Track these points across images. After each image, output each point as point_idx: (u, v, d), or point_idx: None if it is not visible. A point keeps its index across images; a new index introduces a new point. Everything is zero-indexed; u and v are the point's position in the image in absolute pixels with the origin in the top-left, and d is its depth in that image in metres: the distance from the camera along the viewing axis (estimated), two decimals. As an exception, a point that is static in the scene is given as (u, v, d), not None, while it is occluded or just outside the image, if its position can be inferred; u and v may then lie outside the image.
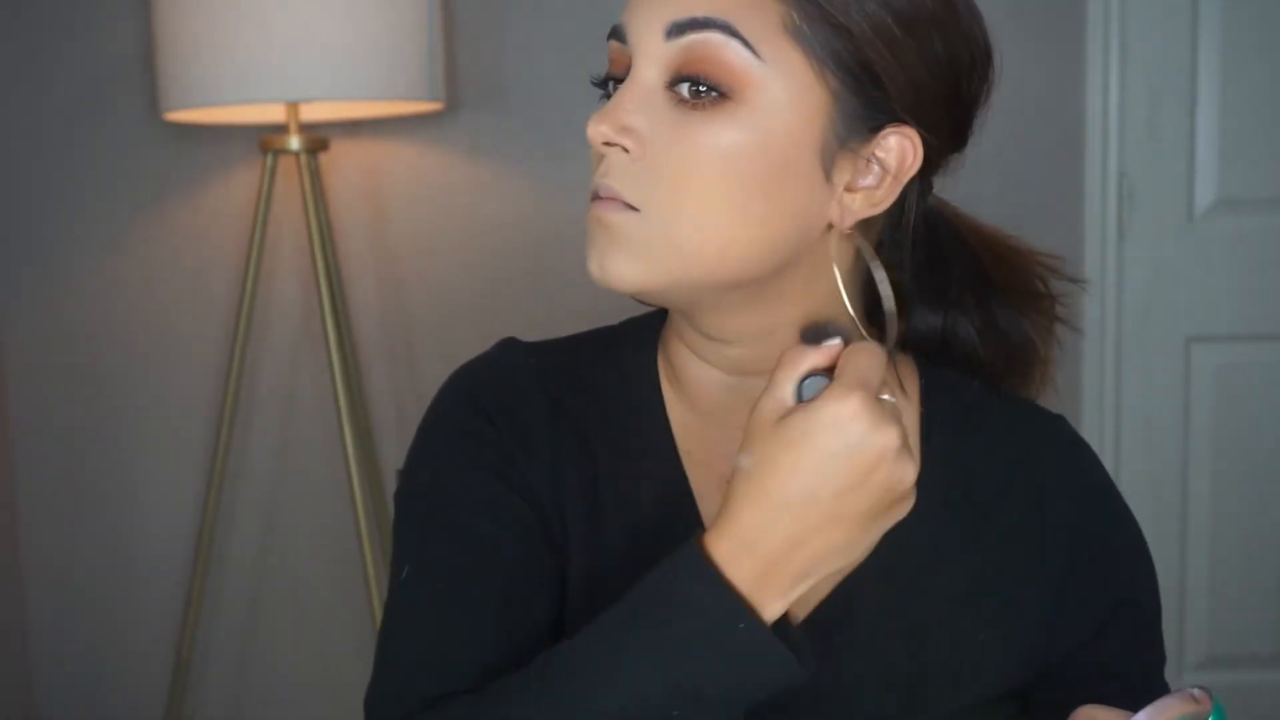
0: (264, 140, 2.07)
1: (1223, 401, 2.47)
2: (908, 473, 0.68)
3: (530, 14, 2.32)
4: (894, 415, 0.68)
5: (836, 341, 0.71)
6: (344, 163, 2.31)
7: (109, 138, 2.31)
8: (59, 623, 2.42)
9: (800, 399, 0.70)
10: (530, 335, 0.91)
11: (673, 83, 0.74)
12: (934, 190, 0.88)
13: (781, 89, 0.73)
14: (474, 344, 0.94)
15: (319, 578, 2.39)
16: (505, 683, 0.73)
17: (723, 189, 0.74)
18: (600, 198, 0.76)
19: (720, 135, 0.73)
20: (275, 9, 1.87)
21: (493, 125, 2.32)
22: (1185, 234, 2.44)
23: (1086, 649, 0.84)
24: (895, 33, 0.75)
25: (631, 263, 0.75)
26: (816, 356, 0.70)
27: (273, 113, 2.12)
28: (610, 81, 0.79)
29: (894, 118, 0.77)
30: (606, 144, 0.75)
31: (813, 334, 0.79)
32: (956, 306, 0.91)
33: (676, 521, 0.83)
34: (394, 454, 2.30)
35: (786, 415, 0.69)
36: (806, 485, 0.68)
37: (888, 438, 0.67)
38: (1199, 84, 2.41)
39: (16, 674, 2.39)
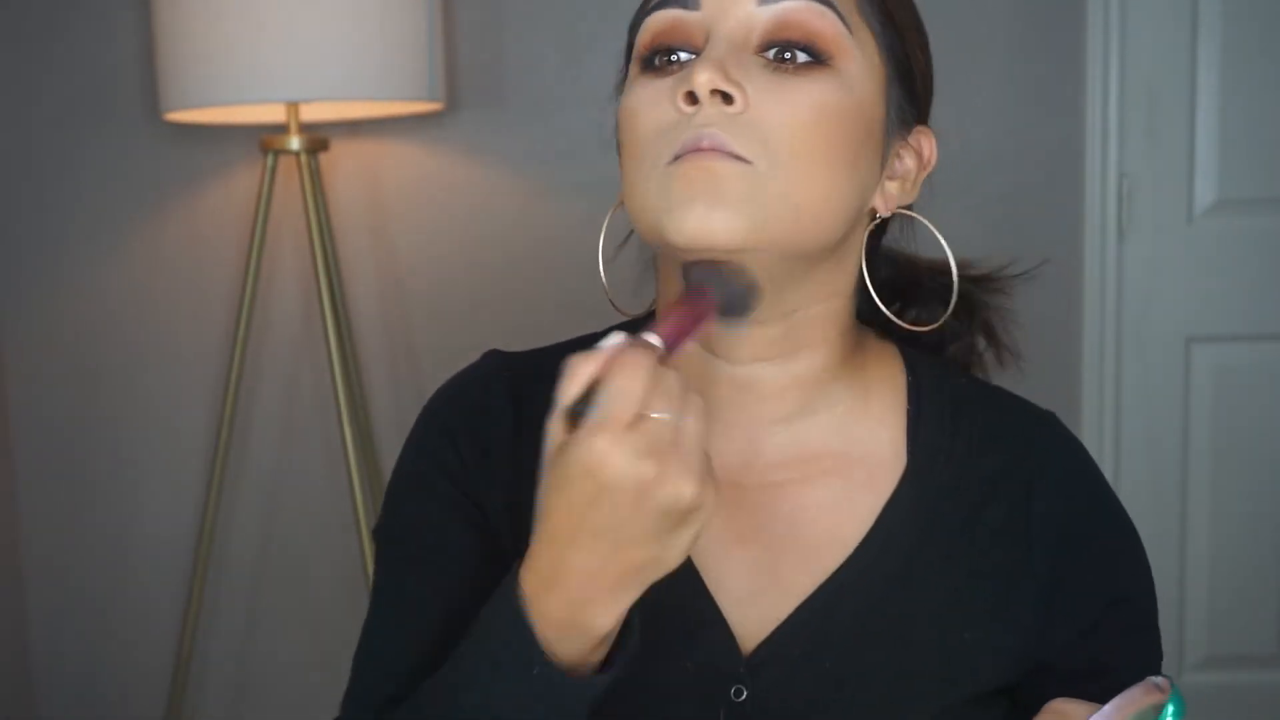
0: (264, 140, 2.07)
1: (1223, 401, 2.47)
2: (682, 492, 0.64)
3: (530, 14, 2.32)
4: (652, 441, 0.64)
5: (611, 344, 0.66)
6: (344, 163, 2.31)
7: (109, 138, 2.31)
8: (59, 622, 2.42)
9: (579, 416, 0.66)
10: (530, 335, 0.91)
11: (764, 48, 0.76)
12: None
13: (863, 62, 0.78)
14: (474, 344, 0.95)
15: (319, 577, 2.39)
16: (403, 706, 0.77)
17: (824, 148, 0.75)
18: (703, 148, 0.73)
19: (819, 93, 0.75)
20: (275, 9, 1.87)
21: (493, 125, 2.32)
22: (1185, 234, 2.44)
23: (1078, 646, 0.84)
24: (921, 38, 0.82)
25: (739, 217, 0.73)
26: (590, 367, 0.65)
27: (273, 113, 2.12)
28: (664, 54, 0.78)
29: (920, 116, 0.82)
30: (714, 91, 0.73)
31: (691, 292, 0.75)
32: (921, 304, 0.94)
33: None
34: (394, 454, 2.29)
35: (556, 451, 0.66)
36: (583, 522, 0.66)
37: (641, 472, 0.63)
38: (1199, 84, 2.41)
39: (16, 674, 2.40)
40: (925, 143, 0.84)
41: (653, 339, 0.67)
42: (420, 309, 2.37)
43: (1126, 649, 0.85)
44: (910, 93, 0.81)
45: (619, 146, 0.81)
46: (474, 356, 0.91)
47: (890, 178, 0.82)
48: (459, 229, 2.35)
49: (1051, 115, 2.40)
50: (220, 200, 2.33)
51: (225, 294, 2.31)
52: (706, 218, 0.73)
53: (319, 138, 2.08)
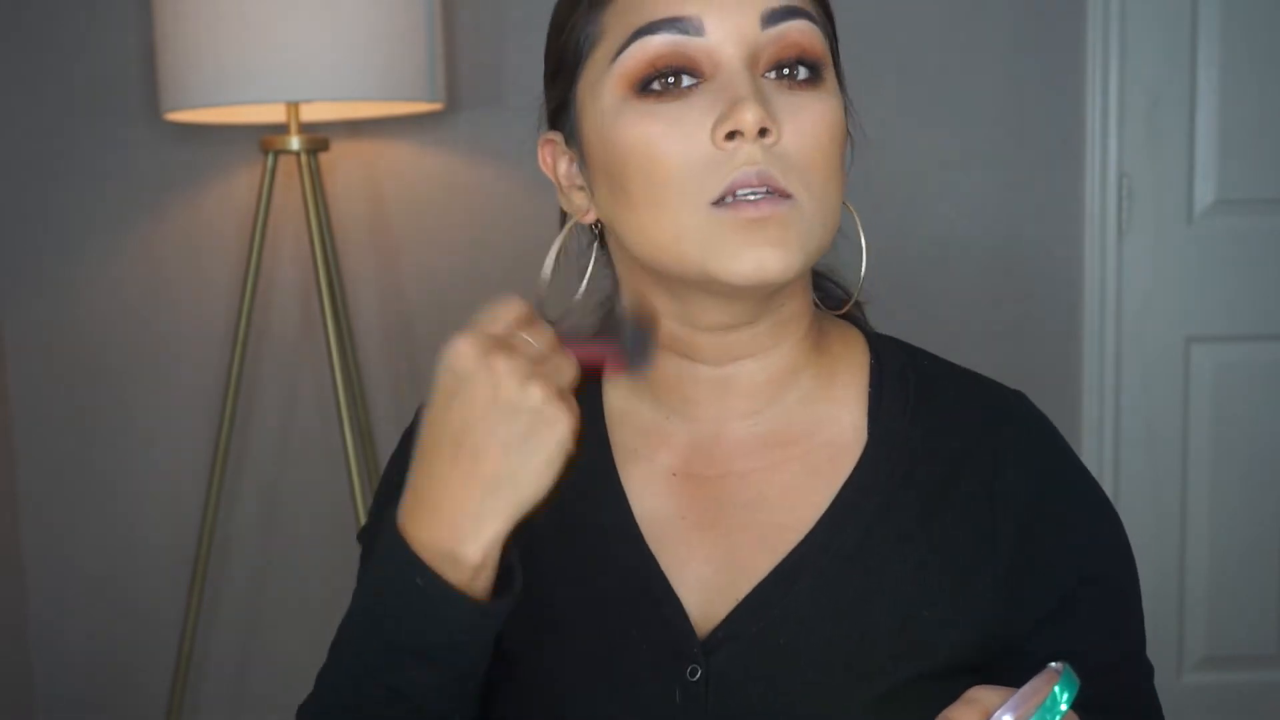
0: (264, 140, 2.07)
1: (1222, 401, 2.47)
2: (530, 391, 0.71)
3: (530, 14, 2.31)
4: (505, 343, 0.72)
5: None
6: (344, 163, 2.31)
7: (109, 138, 2.32)
8: (59, 622, 2.42)
9: None
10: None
11: (769, 68, 0.78)
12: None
13: (833, 68, 0.82)
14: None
15: (319, 578, 2.39)
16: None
17: (835, 162, 0.79)
18: (754, 185, 0.75)
19: (825, 110, 0.79)
20: (275, 9, 1.87)
21: (493, 125, 2.32)
22: (1185, 234, 2.44)
23: (1047, 627, 0.83)
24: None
25: (794, 255, 0.76)
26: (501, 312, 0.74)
27: (273, 113, 2.12)
28: (667, 76, 0.77)
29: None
30: (763, 130, 0.75)
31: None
32: None
33: (607, 519, 0.86)
34: (394, 454, 2.30)
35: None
36: (444, 428, 0.73)
37: (492, 363, 0.70)
38: (1199, 84, 2.41)
39: (17, 673, 2.40)
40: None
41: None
42: (420, 309, 2.37)
43: (1098, 630, 0.84)
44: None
45: (607, 174, 0.80)
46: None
47: None
48: (459, 229, 2.35)
49: (1051, 115, 2.40)
50: (220, 200, 2.33)
51: (225, 294, 2.31)
52: (764, 261, 0.75)
53: (319, 138, 2.08)
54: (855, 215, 0.86)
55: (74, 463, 2.39)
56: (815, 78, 0.79)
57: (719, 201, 0.75)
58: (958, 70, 2.37)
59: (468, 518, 0.73)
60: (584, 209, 0.86)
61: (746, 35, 0.77)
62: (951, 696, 0.71)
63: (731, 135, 0.75)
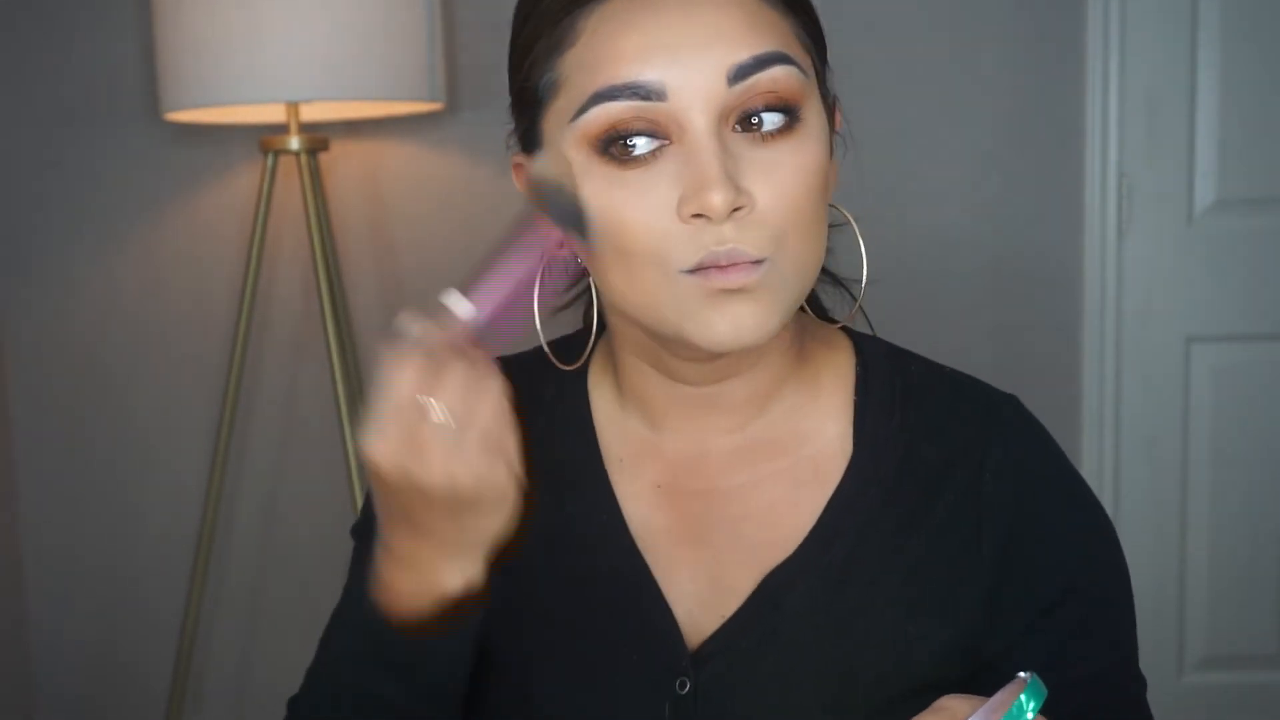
0: (264, 140, 2.07)
1: (1223, 401, 2.47)
2: (457, 481, 0.68)
3: (530, 14, 2.32)
4: (410, 434, 0.67)
5: (408, 333, 0.70)
6: (344, 163, 2.31)
7: (109, 138, 2.32)
8: (59, 622, 2.43)
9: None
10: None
11: (739, 121, 0.74)
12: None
13: (815, 97, 0.77)
14: (473, 344, 0.94)
15: (319, 578, 2.38)
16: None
17: (812, 208, 0.76)
18: (724, 266, 0.73)
19: (801, 158, 0.75)
20: (275, 9, 1.87)
21: (492, 125, 2.30)
22: (1185, 234, 2.44)
23: (1034, 634, 0.82)
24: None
25: (769, 314, 0.74)
26: (409, 367, 0.69)
27: (273, 113, 2.12)
28: (628, 138, 0.73)
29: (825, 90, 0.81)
30: (736, 209, 0.72)
31: None
32: None
33: (599, 528, 0.85)
34: (394, 454, 2.30)
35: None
36: (387, 509, 0.72)
37: (403, 464, 0.68)
38: (1198, 84, 2.41)
39: (17, 674, 2.40)
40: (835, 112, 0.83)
41: (461, 307, 0.69)
42: (420, 308, 2.36)
43: (1084, 640, 0.82)
44: (831, 119, 0.81)
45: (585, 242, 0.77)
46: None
47: None
48: (459, 229, 2.35)
49: (1051, 115, 2.40)
50: (220, 200, 2.33)
51: (225, 294, 2.31)
52: (741, 325, 0.74)
53: (319, 138, 2.08)
54: (855, 226, 0.84)
55: (74, 462, 2.39)
56: (792, 121, 0.74)
57: (692, 270, 0.73)
58: (957, 70, 2.37)
59: (443, 562, 0.73)
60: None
61: (713, 96, 0.72)
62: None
63: (700, 214, 0.72)
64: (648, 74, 0.72)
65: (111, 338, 2.36)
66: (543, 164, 0.77)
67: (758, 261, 0.73)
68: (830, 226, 0.81)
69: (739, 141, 0.74)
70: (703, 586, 0.83)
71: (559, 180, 0.75)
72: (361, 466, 0.75)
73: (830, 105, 0.81)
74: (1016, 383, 0.92)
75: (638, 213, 0.73)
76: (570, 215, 0.73)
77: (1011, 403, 0.87)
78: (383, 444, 0.68)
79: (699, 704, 0.81)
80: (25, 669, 2.42)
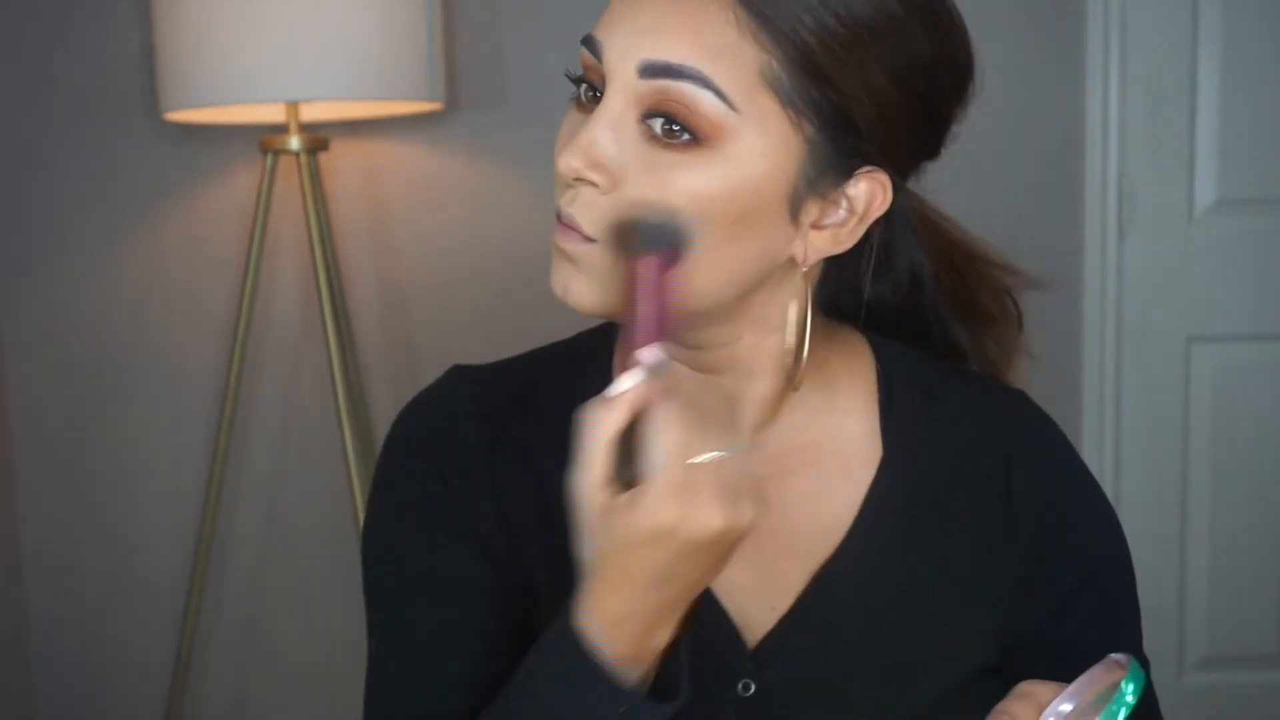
0: (264, 140, 2.07)
1: (1223, 401, 2.47)
2: (741, 520, 0.68)
3: (530, 14, 2.32)
4: (711, 485, 0.67)
5: (623, 390, 0.69)
6: (344, 163, 2.31)
7: (109, 138, 2.31)
8: (59, 623, 2.42)
9: (623, 470, 0.69)
10: (529, 335, 0.91)
11: (645, 116, 0.73)
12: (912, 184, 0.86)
13: (755, 137, 0.72)
14: (474, 344, 0.94)
15: (319, 578, 2.39)
16: None
17: (705, 232, 0.73)
18: (562, 225, 0.77)
19: (692, 181, 0.72)
20: (275, 9, 1.87)
21: (493, 125, 2.32)
22: (1185, 234, 2.44)
23: (1054, 624, 0.84)
24: (880, 81, 0.74)
25: (590, 289, 0.76)
26: (617, 416, 0.68)
27: (273, 113, 2.12)
28: (585, 84, 0.78)
29: (867, 160, 0.76)
30: (577, 179, 0.75)
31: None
32: (920, 329, 0.92)
33: None
34: (394, 454, 2.30)
35: (611, 514, 0.68)
36: (654, 574, 0.68)
37: (708, 519, 0.67)
38: (1199, 84, 2.41)
39: (17, 674, 2.40)
40: (870, 188, 0.77)
41: (647, 355, 0.69)
42: (420, 309, 2.37)
43: (1100, 627, 0.85)
44: (846, 144, 0.75)
45: None
46: (473, 356, 0.91)
47: (818, 227, 0.77)
48: (459, 229, 2.35)
49: (1051, 115, 2.40)
50: (220, 200, 2.33)
51: (225, 294, 2.31)
52: (566, 286, 0.78)
53: (319, 138, 2.08)
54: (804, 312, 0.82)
55: (73, 463, 2.39)
56: (695, 142, 0.72)
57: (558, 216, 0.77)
58: (958, 70, 2.37)
59: (668, 619, 0.71)
60: None
61: (625, 78, 0.73)
62: (983, 698, 0.72)
63: None
64: (601, 33, 0.75)
65: (111, 337, 2.36)
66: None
67: (589, 239, 0.75)
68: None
69: (646, 138, 0.73)
70: (751, 580, 0.83)
71: (636, 216, 0.74)
72: (573, 515, 0.70)
73: (843, 178, 0.77)
74: (1015, 382, 0.92)
75: (558, 146, 0.78)
76: (668, 238, 0.73)
77: (1022, 396, 0.90)
78: (690, 509, 0.66)
79: (763, 705, 0.80)
80: (25, 669, 2.42)
